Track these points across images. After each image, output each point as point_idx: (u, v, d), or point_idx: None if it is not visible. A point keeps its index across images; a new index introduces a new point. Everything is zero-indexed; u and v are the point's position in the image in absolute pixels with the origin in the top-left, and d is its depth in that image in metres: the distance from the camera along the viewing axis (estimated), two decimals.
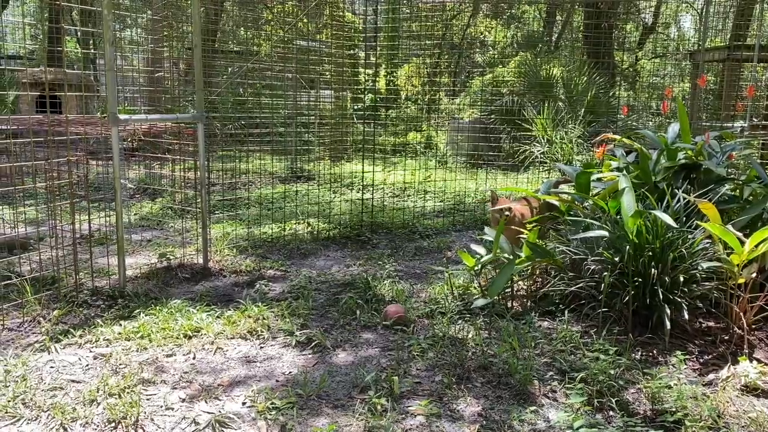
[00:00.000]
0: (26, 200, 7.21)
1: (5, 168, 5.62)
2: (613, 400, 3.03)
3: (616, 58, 14.25)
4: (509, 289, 4.44)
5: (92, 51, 16.02)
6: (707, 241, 3.84)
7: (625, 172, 4.48)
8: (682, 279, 3.71)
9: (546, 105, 9.79)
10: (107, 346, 3.70)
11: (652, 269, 3.69)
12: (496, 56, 17.06)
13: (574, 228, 4.39)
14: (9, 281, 4.38)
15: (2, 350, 3.60)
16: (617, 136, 5.22)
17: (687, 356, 3.54)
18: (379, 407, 2.98)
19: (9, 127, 7.19)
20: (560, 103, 10.50)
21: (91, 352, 3.62)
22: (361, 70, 14.93)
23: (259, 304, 4.33)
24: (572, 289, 4.07)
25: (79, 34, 24.26)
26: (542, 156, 8.99)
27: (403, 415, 2.96)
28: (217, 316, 4.14)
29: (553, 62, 12.36)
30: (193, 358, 3.57)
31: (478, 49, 19.50)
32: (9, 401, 3.00)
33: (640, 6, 18.82)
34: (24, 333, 3.87)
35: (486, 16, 19.47)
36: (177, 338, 3.79)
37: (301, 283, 4.86)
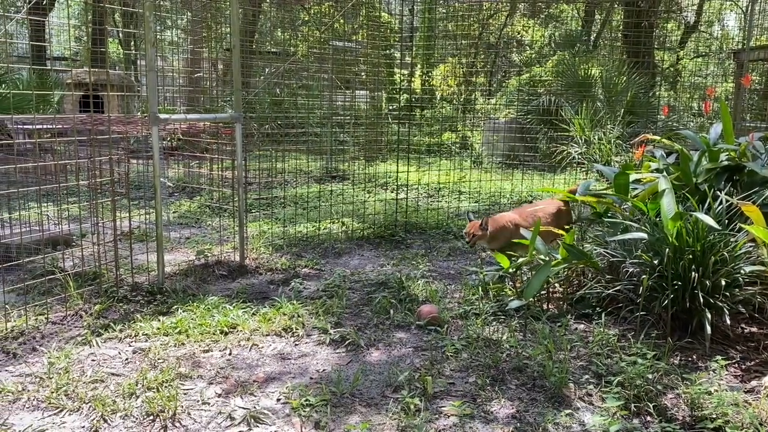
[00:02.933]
0: (69, 198, 7.40)
1: (50, 166, 5.78)
2: (651, 405, 2.98)
3: (656, 57, 13.98)
4: (545, 291, 4.39)
5: (133, 52, 16.36)
6: (750, 244, 3.74)
7: (665, 173, 4.39)
8: (723, 283, 3.62)
9: (584, 105, 9.65)
10: (146, 340, 3.78)
11: (693, 272, 3.61)
12: (533, 56, 16.89)
13: (612, 230, 4.32)
14: (53, 276, 4.50)
15: (46, 343, 3.71)
16: (657, 137, 5.12)
17: (728, 362, 3.45)
18: (412, 407, 2.98)
19: (54, 126, 7.38)
20: (598, 103, 10.34)
21: (130, 346, 3.71)
22: (397, 70, 14.95)
23: (294, 302, 4.37)
24: (609, 291, 4.01)
25: (120, 35, 24.81)
26: (580, 157, 8.87)
27: (437, 416, 2.96)
28: (253, 313, 4.19)
29: (592, 62, 12.18)
30: (229, 354, 3.63)
31: (514, 49, 19.33)
32: (53, 392, 3.09)
33: (682, 4, 18.43)
34: (67, 326, 3.97)
35: (523, 16, 19.29)
36: (214, 334, 3.85)
37: (335, 282, 4.89)
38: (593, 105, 10.03)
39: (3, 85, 9.07)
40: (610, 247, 4.19)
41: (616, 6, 15.59)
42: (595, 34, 19.81)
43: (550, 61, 14.07)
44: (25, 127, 8.10)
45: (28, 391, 3.13)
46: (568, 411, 2.98)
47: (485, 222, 4.72)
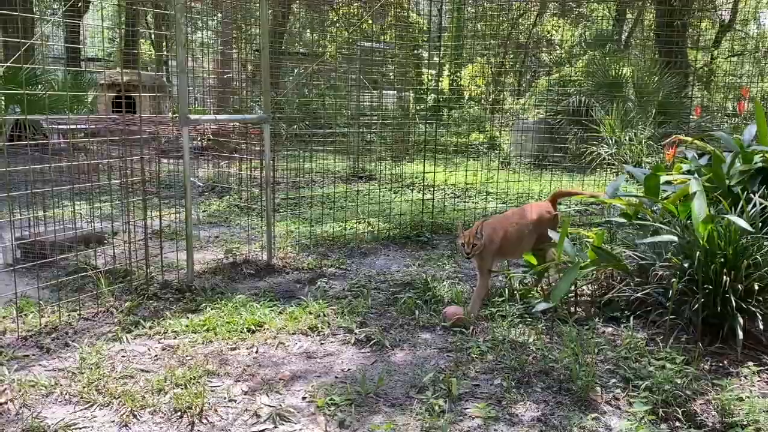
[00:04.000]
0: (102, 196, 7.54)
1: (83, 165, 5.90)
2: (680, 411, 2.93)
3: (689, 57, 13.73)
4: (572, 294, 4.35)
5: (165, 53, 16.61)
6: None
7: (696, 175, 4.32)
8: (756, 287, 3.54)
9: (615, 105, 9.53)
10: (175, 337, 3.84)
11: (724, 276, 3.54)
12: (563, 55, 16.73)
13: (642, 232, 4.26)
14: (85, 273, 4.60)
15: (78, 338, 3.79)
16: (689, 138, 5.03)
17: (761, 368, 3.38)
18: (436, 408, 2.98)
19: (87, 126, 7.54)
20: (630, 104, 10.20)
21: (159, 343, 3.77)
22: (425, 70, 14.93)
23: (320, 301, 4.40)
24: (638, 295, 3.95)
25: (152, 36, 25.20)
26: (610, 158, 8.76)
27: (461, 417, 2.95)
28: (280, 312, 4.23)
29: (623, 61, 12.02)
30: (256, 352, 3.66)
31: (544, 49, 19.17)
32: (84, 387, 3.16)
33: (716, 2, 18.06)
34: (98, 323, 4.05)
35: (553, 15, 19.11)
36: (241, 332, 3.89)
37: (360, 282, 4.91)
38: (624, 105, 9.90)
39: (39, 86, 9.27)
40: (639, 250, 4.13)
41: (648, 5, 15.36)
42: (626, 34, 19.53)
43: (580, 61, 13.91)
44: (59, 127, 8.28)
45: (61, 385, 3.20)
46: (594, 415, 2.95)
47: (480, 230, 4.21)
